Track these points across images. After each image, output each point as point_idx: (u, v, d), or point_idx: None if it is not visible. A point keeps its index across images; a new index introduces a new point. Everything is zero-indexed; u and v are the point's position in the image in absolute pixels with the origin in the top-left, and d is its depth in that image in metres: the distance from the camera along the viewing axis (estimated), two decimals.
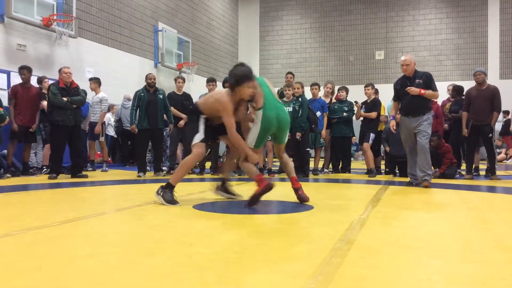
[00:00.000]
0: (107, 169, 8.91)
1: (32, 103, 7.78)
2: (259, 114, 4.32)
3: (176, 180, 4.52)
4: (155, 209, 4.22)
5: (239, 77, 4.20)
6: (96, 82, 8.84)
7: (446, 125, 8.52)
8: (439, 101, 8.44)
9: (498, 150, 12.42)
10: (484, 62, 16.44)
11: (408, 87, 5.99)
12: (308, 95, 8.28)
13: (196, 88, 13.42)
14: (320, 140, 8.18)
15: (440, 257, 2.43)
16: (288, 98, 8.29)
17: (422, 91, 5.92)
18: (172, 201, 4.35)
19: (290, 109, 8.02)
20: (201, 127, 4.51)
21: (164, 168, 8.42)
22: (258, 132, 4.36)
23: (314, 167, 8.28)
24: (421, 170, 5.98)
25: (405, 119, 6.12)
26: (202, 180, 7.43)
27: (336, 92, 8.86)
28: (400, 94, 6.18)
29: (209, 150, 8.96)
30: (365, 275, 2.07)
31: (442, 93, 8.97)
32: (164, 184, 4.49)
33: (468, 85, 8.24)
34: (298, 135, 7.67)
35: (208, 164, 8.62)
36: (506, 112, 13.51)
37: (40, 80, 8.44)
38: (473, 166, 7.68)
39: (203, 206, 4.29)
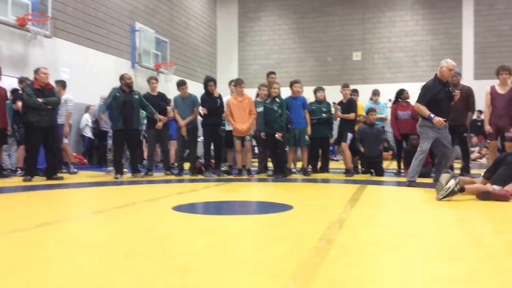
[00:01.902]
0: (76, 170, 8.75)
1: (1, 104, 7.54)
2: None
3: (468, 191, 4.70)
4: (133, 211, 4.17)
5: None
6: (60, 84, 8.70)
7: None
8: (412, 102, 8.54)
9: (472, 149, 12.68)
10: (459, 63, 16.73)
11: (456, 92, 6.13)
12: (285, 95, 8.28)
13: (174, 88, 13.31)
14: (305, 138, 8.16)
15: (420, 254, 2.46)
16: (262, 98, 8.31)
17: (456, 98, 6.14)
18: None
19: (261, 109, 8.02)
20: None
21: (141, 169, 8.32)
22: None
23: (302, 167, 8.30)
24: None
25: (434, 126, 6.00)
26: (181, 181, 7.38)
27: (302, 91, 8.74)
28: (438, 99, 6.00)
29: (187, 151, 8.93)
30: (346, 274, 2.09)
31: (414, 95, 9.11)
32: None
33: None
34: (279, 135, 7.69)
35: (186, 165, 8.57)
36: (480, 112, 13.80)
37: (21, 81, 8.25)
38: (448, 164, 7.81)
39: (182, 208, 4.26)
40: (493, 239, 2.88)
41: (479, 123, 12.89)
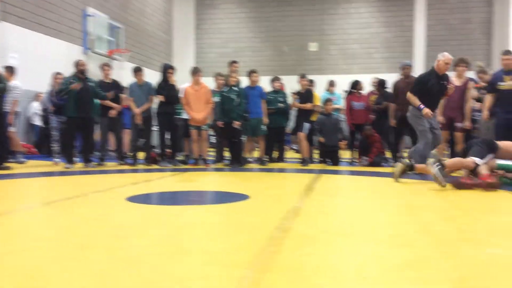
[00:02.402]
0: (24, 160, 8.41)
1: None
2: None
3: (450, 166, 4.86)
4: (85, 202, 4.06)
5: None
6: (8, 70, 8.32)
7: (372, 116, 8.81)
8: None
9: None
10: (410, 55, 17.25)
11: (451, 86, 6.20)
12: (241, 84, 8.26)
13: (128, 76, 13.00)
14: (262, 128, 8.18)
15: (372, 242, 2.53)
16: (219, 87, 8.26)
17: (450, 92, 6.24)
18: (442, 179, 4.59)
19: (217, 99, 7.98)
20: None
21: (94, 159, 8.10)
22: None
23: (259, 156, 8.31)
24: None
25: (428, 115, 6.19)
26: (135, 171, 7.25)
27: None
28: (431, 90, 6.12)
29: (142, 140, 8.76)
30: (302, 262, 2.12)
31: (368, 86, 9.34)
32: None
33: (395, 77, 8.61)
34: (237, 124, 7.67)
35: (141, 155, 8.41)
36: None
37: None
38: (399, 154, 8.06)
39: (136, 198, 4.19)
40: (441, 226, 2.99)
41: None
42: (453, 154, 7.17)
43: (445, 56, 6.09)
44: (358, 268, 2.03)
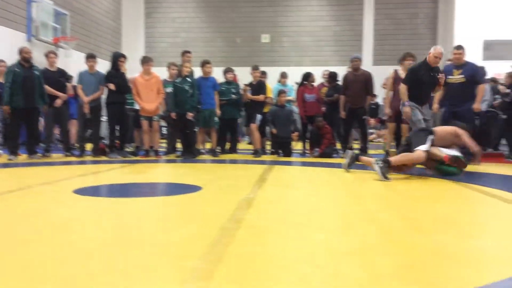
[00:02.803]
0: None
1: None
2: None
3: (397, 162, 5.00)
4: (30, 195, 3.90)
5: None
6: None
7: (324, 108, 8.98)
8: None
9: (370, 131, 13.48)
10: (359, 49, 17.65)
11: (441, 75, 6.15)
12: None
13: (75, 64, 12.54)
14: (214, 119, 8.13)
15: (323, 231, 2.58)
16: (172, 77, 8.13)
17: (442, 83, 6.23)
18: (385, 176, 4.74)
19: (170, 89, 7.87)
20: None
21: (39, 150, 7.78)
22: None
23: (211, 148, 8.26)
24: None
25: (419, 107, 6.21)
26: (82, 163, 7.03)
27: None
28: (421, 81, 6.15)
29: (89, 131, 8.50)
30: (254, 253, 2.13)
31: (319, 78, 9.48)
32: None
33: (344, 70, 8.79)
34: (190, 115, 7.58)
35: (88, 146, 8.16)
36: (374, 96, 14.69)
37: None
38: (348, 146, 8.26)
39: (84, 191, 4.06)
40: (387, 215, 3.10)
41: (373, 106, 13.69)
42: (399, 146, 7.42)
43: (435, 50, 6.15)
44: (309, 257, 2.07)
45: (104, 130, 8.62)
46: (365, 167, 5.66)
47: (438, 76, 6.15)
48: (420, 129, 5.49)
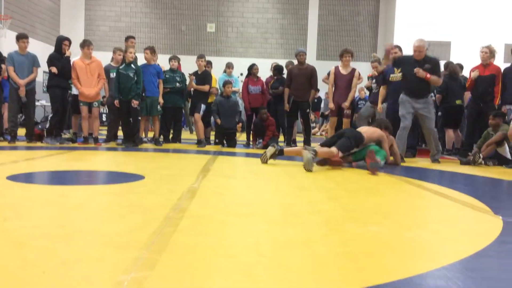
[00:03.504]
0: None
1: None
2: None
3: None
4: None
5: None
6: None
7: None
8: (263, 78, 8.93)
9: (312, 125, 13.77)
10: (304, 43, 17.94)
11: (417, 69, 6.15)
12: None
13: (8, 44, 11.85)
14: (158, 108, 7.97)
15: (266, 222, 2.61)
16: (117, 63, 7.89)
17: (428, 75, 6.15)
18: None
19: (113, 75, 7.65)
20: None
21: None
22: None
23: (154, 136, 8.09)
24: (433, 151, 6.44)
25: (409, 99, 6.32)
26: (15, 148, 6.67)
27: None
28: (406, 73, 6.31)
29: (21, 116, 8.08)
30: (197, 242, 2.12)
31: (267, 71, 9.55)
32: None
33: (290, 63, 8.90)
34: (135, 103, 7.38)
35: (21, 131, 7.76)
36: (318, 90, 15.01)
37: None
38: (292, 138, 8.40)
39: (18, 177, 3.87)
40: (328, 206, 3.19)
41: (315, 100, 13.98)
42: None
43: (414, 44, 6.31)
44: (253, 247, 2.09)
45: (39, 115, 8.21)
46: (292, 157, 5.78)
47: (422, 69, 6.20)
48: (355, 136, 5.54)
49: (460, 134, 8.08)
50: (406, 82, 6.38)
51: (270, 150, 5.57)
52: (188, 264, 1.81)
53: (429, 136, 6.46)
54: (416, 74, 6.17)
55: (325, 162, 5.36)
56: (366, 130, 5.74)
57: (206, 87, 8.24)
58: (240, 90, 9.61)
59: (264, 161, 5.57)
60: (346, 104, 7.49)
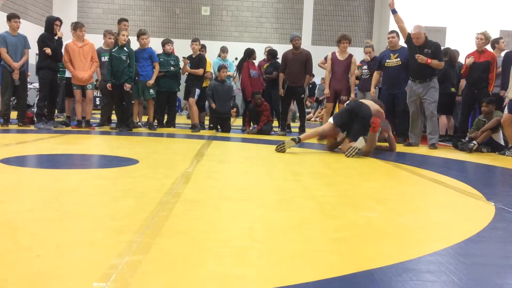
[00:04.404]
0: None
1: None
2: None
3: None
4: None
5: None
6: None
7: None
8: (256, 62, 8.81)
9: (307, 110, 13.74)
10: (299, 28, 17.79)
11: (417, 55, 6.29)
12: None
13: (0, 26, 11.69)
14: (150, 91, 7.92)
15: (260, 206, 2.62)
16: (108, 46, 7.82)
17: (429, 60, 6.27)
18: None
19: (105, 58, 7.58)
20: None
21: None
22: None
23: (148, 121, 8.06)
24: (430, 134, 6.51)
25: (413, 84, 6.49)
26: (7, 131, 6.62)
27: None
28: (410, 61, 6.49)
29: (14, 99, 8.00)
30: (192, 226, 2.12)
31: (260, 55, 9.45)
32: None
33: (284, 48, 8.84)
34: (128, 86, 7.32)
35: (14, 114, 7.69)
36: (313, 75, 14.95)
37: None
38: (286, 123, 8.38)
39: (11, 161, 3.84)
40: (323, 192, 3.20)
41: (310, 85, 13.92)
42: None
43: (412, 30, 6.45)
44: (246, 231, 2.10)
45: (32, 97, 8.14)
46: (302, 145, 5.79)
47: (417, 55, 6.31)
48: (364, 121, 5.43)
49: (453, 120, 8.11)
50: (410, 67, 6.55)
51: (290, 143, 5.30)
52: (182, 248, 1.81)
53: (428, 120, 6.55)
54: (417, 59, 6.30)
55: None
56: (370, 104, 5.72)
57: (200, 71, 8.18)
58: (235, 75, 9.54)
59: (280, 150, 5.29)
60: (352, 96, 7.46)
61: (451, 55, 7.88)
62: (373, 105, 5.68)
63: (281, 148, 5.28)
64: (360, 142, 5.08)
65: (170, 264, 1.64)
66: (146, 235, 1.94)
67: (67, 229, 2.02)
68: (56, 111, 8.34)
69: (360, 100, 5.90)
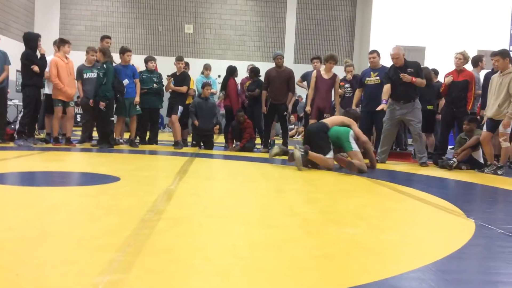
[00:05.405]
0: None
1: None
2: None
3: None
4: None
5: None
6: None
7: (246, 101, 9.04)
8: (238, 80, 8.91)
9: (290, 126, 13.82)
10: (282, 46, 18.00)
11: (402, 74, 6.43)
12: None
13: None
14: (136, 108, 7.90)
15: (244, 223, 2.61)
16: (90, 62, 7.80)
17: (414, 79, 6.43)
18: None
19: (94, 75, 7.58)
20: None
21: None
22: None
23: (130, 137, 8.00)
24: (419, 153, 6.66)
25: (396, 105, 6.61)
26: None
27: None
28: (393, 82, 6.58)
29: None
30: (174, 244, 2.11)
31: (243, 72, 9.54)
32: None
33: (267, 66, 8.92)
34: (102, 104, 7.27)
35: None
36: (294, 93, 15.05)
37: None
38: (269, 140, 8.41)
39: None
40: (306, 208, 3.21)
41: (295, 103, 14.03)
42: None
43: (391, 51, 6.64)
44: (230, 248, 2.09)
45: (12, 114, 8.04)
46: (285, 161, 5.81)
47: (402, 74, 6.48)
48: (322, 137, 5.64)
49: (434, 137, 8.24)
50: (393, 89, 6.65)
51: (299, 160, 5.29)
52: (164, 266, 1.80)
53: (415, 140, 6.70)
54: (402, 79, 6.46)
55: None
56: (329, 118, 6.05)
57: (184, 88, 8.20)
58: (219, 92, 9.58)
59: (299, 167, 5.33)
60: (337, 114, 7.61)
61: (426, 74, 8.05)
62: (335, 119, 5.97)
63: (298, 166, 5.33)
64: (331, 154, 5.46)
65: (152, 282, 1.62)
66: (128, 253, 1.92)
67: (48, 247, 1.99)
68: (36, 127, 8.24)
69: (320, 121, 6.09)
